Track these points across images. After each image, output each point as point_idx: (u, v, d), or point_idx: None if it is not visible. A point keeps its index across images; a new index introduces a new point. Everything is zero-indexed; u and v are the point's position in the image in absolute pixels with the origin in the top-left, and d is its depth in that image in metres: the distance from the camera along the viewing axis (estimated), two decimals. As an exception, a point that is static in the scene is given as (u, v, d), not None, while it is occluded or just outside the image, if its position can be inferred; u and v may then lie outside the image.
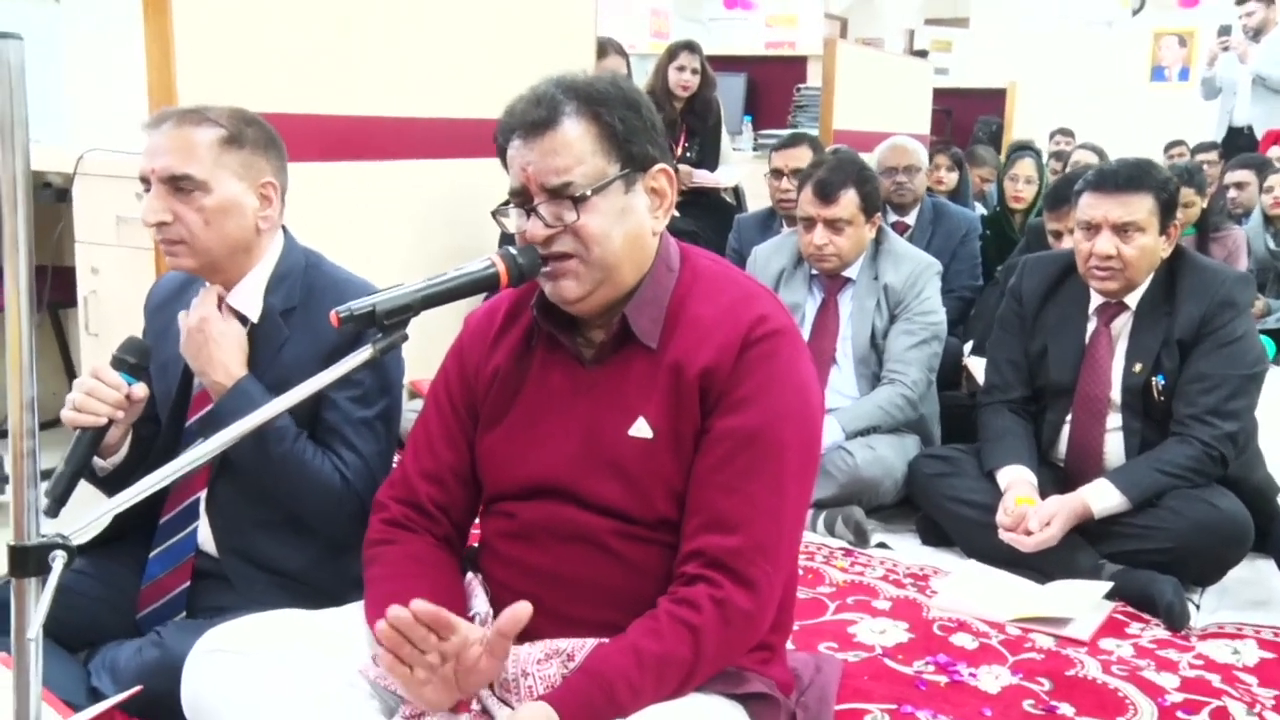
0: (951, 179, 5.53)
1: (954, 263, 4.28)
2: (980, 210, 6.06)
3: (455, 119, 3.45)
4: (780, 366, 1.49)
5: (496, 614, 1.57)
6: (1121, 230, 2.59)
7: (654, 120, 1.53)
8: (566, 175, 1.44)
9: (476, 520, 1.69)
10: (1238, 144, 7.89)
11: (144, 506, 1.95)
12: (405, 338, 1.46)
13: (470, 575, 1.64)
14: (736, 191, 5.05)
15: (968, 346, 3.96)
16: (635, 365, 1.52)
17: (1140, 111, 10.20)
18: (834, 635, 2.25)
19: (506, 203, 1.53)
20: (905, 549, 2.79)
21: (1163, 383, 2.61)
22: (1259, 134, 7.72)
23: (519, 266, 1.49)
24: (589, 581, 1.52)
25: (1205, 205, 4.76)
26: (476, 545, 1.69)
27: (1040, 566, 2.53)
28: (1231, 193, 5.70)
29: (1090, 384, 2.70)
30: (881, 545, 2.79)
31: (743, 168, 5.18)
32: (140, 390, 1.79)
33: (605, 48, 4.25)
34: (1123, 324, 2.69)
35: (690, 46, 4.86)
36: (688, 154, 4.91)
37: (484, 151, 3.55)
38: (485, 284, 1.49)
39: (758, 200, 5.24)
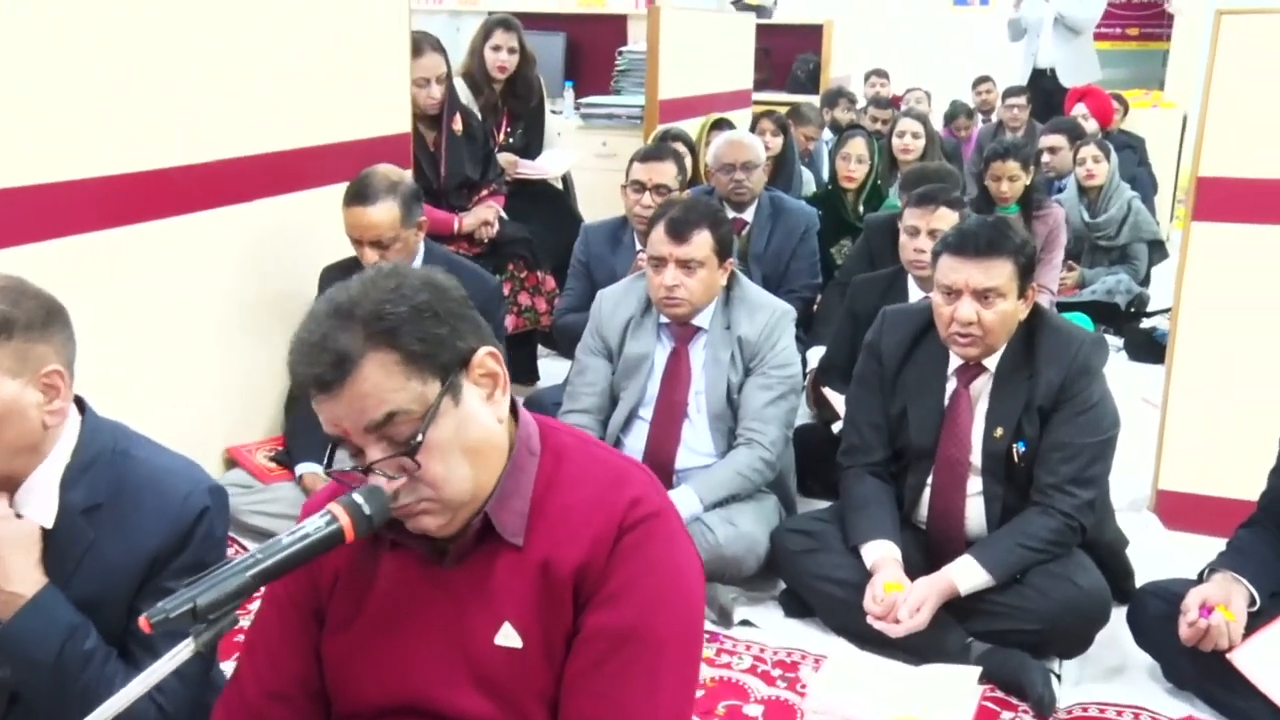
0: (777, 144, 5.43)
1: (793, 260, 4.18)
2: (806, 174, 6.01)
3: (260, 154, 3.06)
4: (656, 552, 1.35)
5: None
6: (983, 296, 2.53)
7: (453, 308, 1.30)
8: (385, 407, 1.25)
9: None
10: (1042, 85, 8.08)
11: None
12: (236, 621, 1.24)
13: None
14: (565, 178, 4.78)
15: (813, 353, 3.88)
16: (499, 564, 1.36)
17: (947, 41, 10.45)
18: (714, 773, 2.14)
19: (332, 455, 1.31)
20: (769, 624, 2.71)
21: (1023, 449, 2.58)
22: (1061, 79, 7.92)
23: (366, 518, 1.28)
24: None
25: (1029, 182, 4.80)
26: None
27: (909, 647, 2.49)
28: (1045, 157, 5.78)
29: (951, 447, 2.65)
30: (745, 623, 2.70)
31: (570, 152, 4.89)
32: None
33: (420, 44, 3.86)
34: (982, 385, 2.63)
35: (506, 24, 4.49)
36: (510, 140, 4.60)
37: (293, 185, 3.23)
38: (327, 545, 1.27)
39: (585, 182, 5.01)
